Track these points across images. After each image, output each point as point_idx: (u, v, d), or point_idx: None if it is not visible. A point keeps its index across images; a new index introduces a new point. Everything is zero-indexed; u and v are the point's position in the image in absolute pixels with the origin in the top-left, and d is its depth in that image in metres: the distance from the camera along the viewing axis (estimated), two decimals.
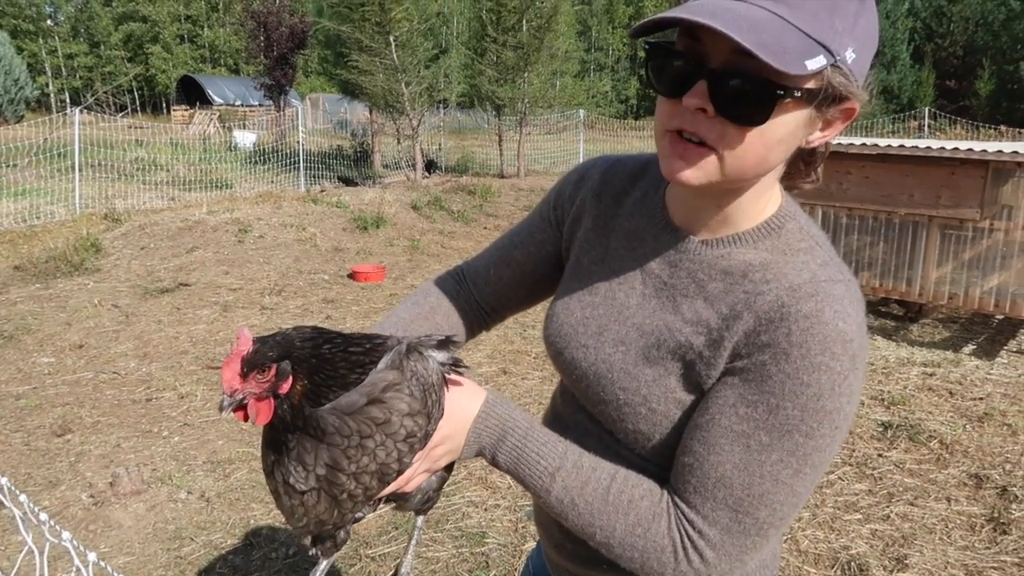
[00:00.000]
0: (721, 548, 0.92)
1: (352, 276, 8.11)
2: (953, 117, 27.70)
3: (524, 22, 15.64)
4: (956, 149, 5.45)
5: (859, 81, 0.86)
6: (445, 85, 16.87)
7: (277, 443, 0.90)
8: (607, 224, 1.14)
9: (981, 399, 4.84)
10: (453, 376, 1.00)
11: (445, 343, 1.02)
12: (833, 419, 0.88)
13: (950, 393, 4.95)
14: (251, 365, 0.84)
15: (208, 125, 24.48)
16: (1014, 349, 5.88)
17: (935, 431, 4.34)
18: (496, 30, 15.80)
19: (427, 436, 0.95)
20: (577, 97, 18.44)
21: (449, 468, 1.08)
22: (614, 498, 0.97)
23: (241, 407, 0.87)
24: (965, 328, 6.46)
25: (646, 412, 0.99)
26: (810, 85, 0.83)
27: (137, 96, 60.01)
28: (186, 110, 34.08)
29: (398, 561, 1.16)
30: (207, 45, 61.02)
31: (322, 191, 12.58)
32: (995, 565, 3.11)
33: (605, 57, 63.10)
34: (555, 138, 20.10)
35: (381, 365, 0.93)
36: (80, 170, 11.52)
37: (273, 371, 0.86)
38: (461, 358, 1.04)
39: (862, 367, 0.89)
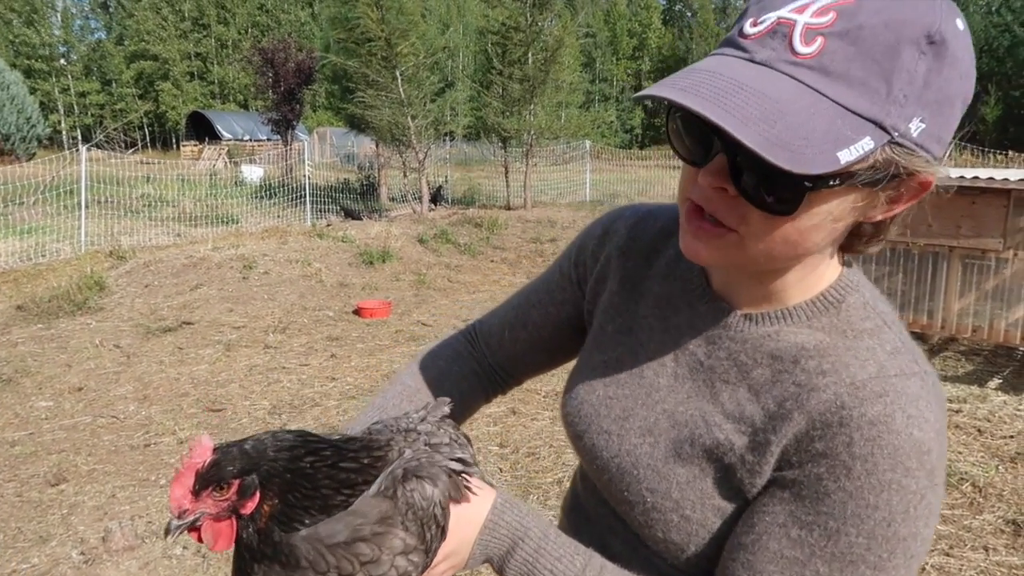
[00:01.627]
0: None
1: (357, 312, 7.98)
2: (962, 144, 27.59)
3: (530, 55, 15.68)
4: (976, 178, 5.31)
5: (934, 152, 0.69)
6: (451, 118, 16.90)
7: (242, 571, 0.75)
8: (635, 287, 0.99)
9: (1012, 437, 4.64)
10: (460, 492, 0.85)
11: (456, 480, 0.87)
12: (908, 547, 0.72)
13: (979, 431, 4.75)
14: (206, 481, 0.70)
15: (217, 160, 24.64)
16: None
17: (967, 473, 4.14)
18: (502, 63, 15.84)
19: (424, 568, 0.80)
20: (583, 128, 18.43)
21: None
22: None
23: (194, 528, 0.73)
24: (989, 361, 6.25)
25: (678, 520, 0.84)
26: (856, 168, 0.67)
27: (147, 132, 60.77)
28: (195, 145, 34.40)
29: None
30: (216, 81, 61.88)
31: (328, 225, 12.52)
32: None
33: (610, 88, 63.61)
34: (561, 169, 20.07)
35: (372, 490, 0.78)
36: (87, 207, 11.50)
37: (235, 488, 0.71)
38: (471, 461, 0.90)
39: (941, 481, 0.74)
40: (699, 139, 0.72)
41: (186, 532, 0.73)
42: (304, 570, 0.72)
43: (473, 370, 1.18)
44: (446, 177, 18.78)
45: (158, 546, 3.49)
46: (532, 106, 15.98)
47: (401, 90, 14.32)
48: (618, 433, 0.92)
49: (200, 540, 0.74)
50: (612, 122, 56.86)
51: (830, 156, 0.63)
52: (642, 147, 47.20)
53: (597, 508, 0.99)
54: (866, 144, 0.64)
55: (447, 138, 20.00)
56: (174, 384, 5.77)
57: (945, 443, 0.75)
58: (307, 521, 0.73)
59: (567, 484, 4.19)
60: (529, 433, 4.78)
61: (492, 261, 11.29)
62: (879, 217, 0.75)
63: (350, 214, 15.04)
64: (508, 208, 15.51)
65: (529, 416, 5.07)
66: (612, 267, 1.03)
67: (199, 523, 0.73)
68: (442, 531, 0.82)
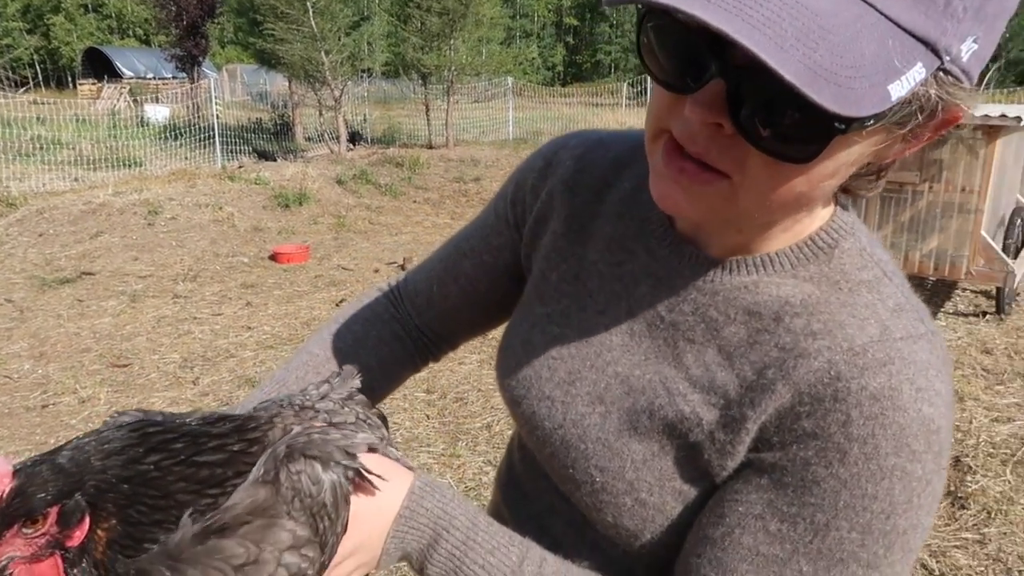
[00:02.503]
0: None
1: (274, 258, 7.63)
2: None
3: None
4: None
5: (974, 78, 0.54)
6: (368, 54, 16.23)
7: None
8: (583, 227, 0.83)
9: None
10: (362, 482, 0.69)
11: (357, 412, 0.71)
12: (907, 540, 0.61)
13: None
14: (9, 518, 0.52)
15: (118, 99, 23.12)
16: (951, 311, 5.88)
17: None
18: None
19: (322, 567, 0.64)
20: (505, 64, 17.97)
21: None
22: None
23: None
24: None
25: (632, 504, 0.70)
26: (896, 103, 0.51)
27: (39, 70, 56.53)
28: (93, 84, 32.19)
29: None
30: (114, 15, 57.83)
31: (240, 167, 11.90)
32: (957, 543, 2.99)
33: (531, 24, 62.54)
34: (484, 106, 19.65)
35: (249, 478, 0.61)
36: None
37: (52, 518, 0.54)
38: (381, 445, 0.73)
39: (947, 463, 0.62)
40: (687, 58, 0.55)
41: None
42: None
43: (396, 334, 1.01)
44: (364, 116, 18.13)
45: None
46: (452, 41, 15.46)
47: (313, 23, 13.59)
48: (562, 400, 0.77)
49: None
50: (534, 59, 56.06)
51: (881, 91, 0.48)
52: (564, 84, 46.78)
53: (537, 483, 0.85)
54: (917, 73, 0.49)
55: (364, 75, 19.25)
56: (74, 339, 5.38)
57: (953, 418, 0.63)
58: (161, 536, 0.57)
59: (496, 429, 4.11)
60: (456, 378, 4.66)
61: (415, 202, 10.98)
62: (891, 158, 0.61)
63: (265, 156, 14.37)
64: (430, 147, 15.10)
65: (456, 360, 4.93)
66: (555, 204, 0.86)
67: (8, 570, 0.55)
68: (341, 523, 0.66)
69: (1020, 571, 2.79)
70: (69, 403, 4.38)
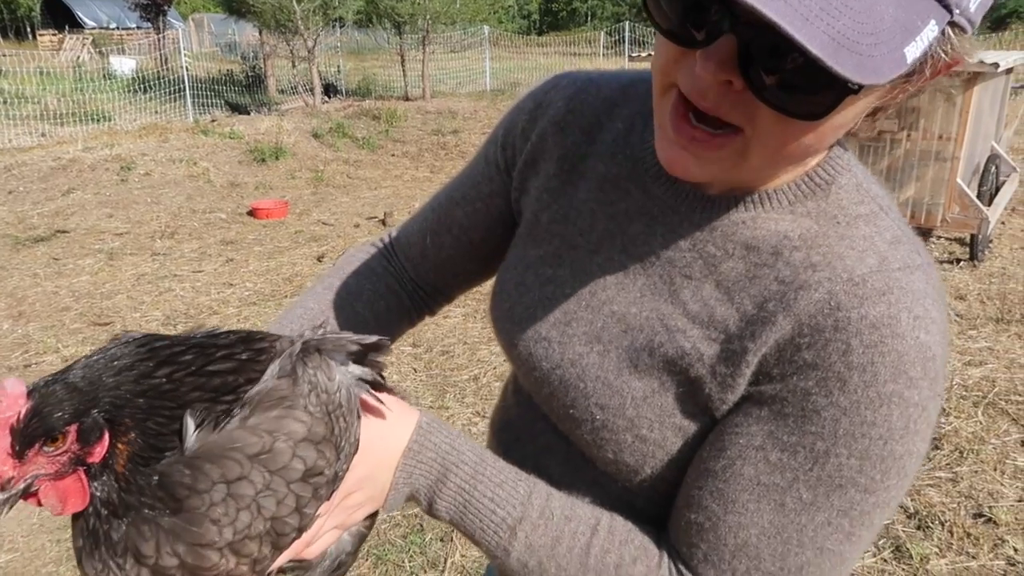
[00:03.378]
0: None
1: (252, 213, 7.54)
2: None
3: None
4: None
5: (976, 25, 0.56)
6: (340, 2, 15.81)
7: (93, 530, 0.59)
8: (575, 167, 0.84)
9: None
10: (372, 401, 0.70)
11: (364, 351, 0.71)
12: (903, 465, 0.64)
13: None
14: (30, 437, 0.53)
15: (81, 50, 22.40)
16: None
17: None
18: None
19: (336, 479, 0.65)
20: (480, 12, 17.62)
21: (371, 519, 0.80)
22: (596, 561, 0.71)
23: (30, 494, 0.56)
24: None
25: (632, 440, 0.73)
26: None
27: None
28: (54, 34, 31.10)
29: None
30: None
31: (213, 121, 11.66)
32: (931, 482, 3.11)
33: None
34: (460, 57, 19.32)
35: (264, 376, 0.62)
36: None
37: (72, 435, 0.55)
38: (384, 371, 0.75)
39: (943, 390, 0.65)
40: (696, 11, 0.55)
41: (21, 500, 0.57)
42: (186, 499, 0.57)
43: (390, 288, 1.02)
44: (338, 67, 17.75)
45: None
46: None
47: None
48: (559, 340, 0.79)
49: (40, 505, 0.58)
50: (510, 7, 54.95)
51: (897, 55, 0.49)
52: (540, 33, 46.04)
53: (533, 425, 0.87)
54: (931, 31, 0.51)
55: (337, 24, 18.77)
56: (52, 298, 5.32)
57: (947, 345, 0.66)
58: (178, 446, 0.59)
59: (484, 380, 4.15)
60: (442, 331, 4.69)
61: (393, 155, 10.86)
62: (891, 102, 0.63)
63: (239, 109, 14.07)
64: (406, 99, 14.87)
65: (441, 314, 4.95)
66: (547, 145, 0.86)
67: (34, 488, 0.56)
68: (351, 434, 0.67)
69: (990, 507, 2.91)
70: (52, 362, 4.35)
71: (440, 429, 0.74)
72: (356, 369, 0.69)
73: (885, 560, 2.68)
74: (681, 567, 0.70)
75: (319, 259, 6.08)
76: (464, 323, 4.80)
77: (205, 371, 0.60)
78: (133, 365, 0.58)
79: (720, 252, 0.71)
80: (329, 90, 15.70)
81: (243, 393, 0.61)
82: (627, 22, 24.65)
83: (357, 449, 0.69)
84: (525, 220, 0.89)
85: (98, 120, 12.39)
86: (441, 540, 2.82)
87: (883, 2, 0.49)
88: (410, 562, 2.72)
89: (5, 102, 13.24)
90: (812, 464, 0.64)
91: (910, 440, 0.63)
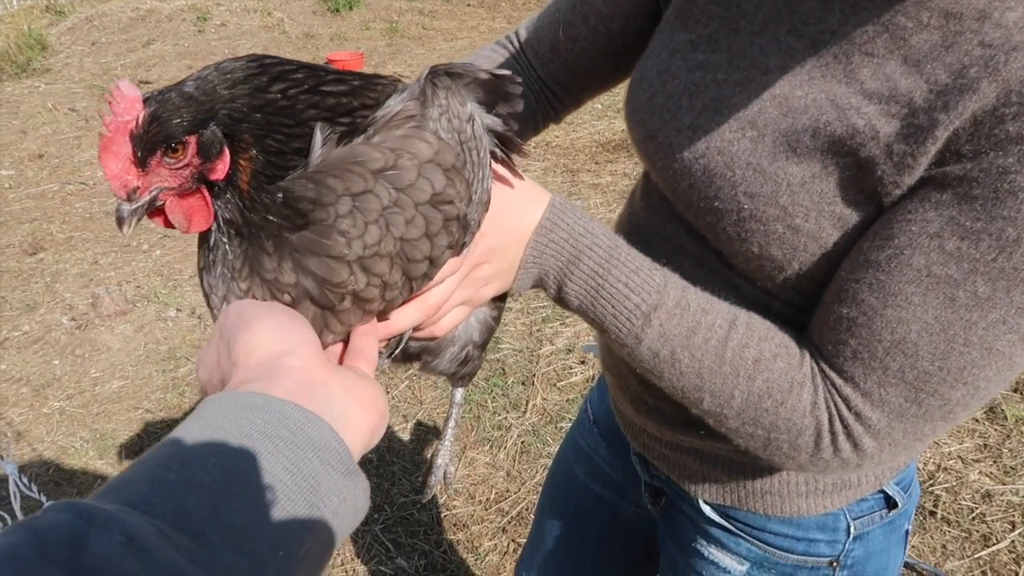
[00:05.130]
0: (887, 437, 0.63)
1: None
2: None
3: None
4: None
5: None
6: None
7: (214, 247, 0.58)
8: None
9: None
10: (501, 170, 0.65)
11: (495, 83, 0.64)
12: None
13: None
14: (150, 143, 0.51)
15: None
16: None
17: None
18: None
19: (467, 223, 0.61)
20: None
21: (498, 310, 0.76)
22: (733, 355, 0.66)
23: (157, 211, 0.55)
24: None
25: (783, 231, 0.66)
26: None
27: None
28: None
29: (433, 450, 0.88)
30: None
31: None
32: None
33: None
34: None
35: (392, 101, 0.59)
36: None
37: (192, 146, 0.53)
38: (514, 129, 0.68)
39: None
40: None
41: (146, 218, 0.55)
42: (311, 212, 0.55)
43: None
44: None
45: (150, 309, 3.43)
46: None
47: None
48: (705, 128, 0.71)
49: (167, 225, 0.56)
50: None
51: None
52: None
53: (664, 227, 0.81)
54: None
55: None
56: None
57: None
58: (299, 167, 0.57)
59: None
60: None
61: (469, 5, 10.41)
62: None
63: None
64: None
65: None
66: None
67: (159, 202, 0.54)
68: (483, 175, 0.62)
69: None
70: None
71: (572, 210, 0.69)
72: (487, 117, 0.64)
73: (976, 420, 2.61)
74: (825, 365, 0.65)
75: None
76: (544, 178, 4.71)
77: (319, 90, 0.56)
78: (247, 79, 0.54)
79: (912, 23, 0.60)
80: None
81: (360, 117, 0.58)
82: None
83: (488, 203, 0.64)
84: (675, 2, 0.79)
85: None
86: (523, 384, 2.88)
87: None
88: (493, 403, 2.80)
89: None
90: (997, 254, 0.56)
91: None
